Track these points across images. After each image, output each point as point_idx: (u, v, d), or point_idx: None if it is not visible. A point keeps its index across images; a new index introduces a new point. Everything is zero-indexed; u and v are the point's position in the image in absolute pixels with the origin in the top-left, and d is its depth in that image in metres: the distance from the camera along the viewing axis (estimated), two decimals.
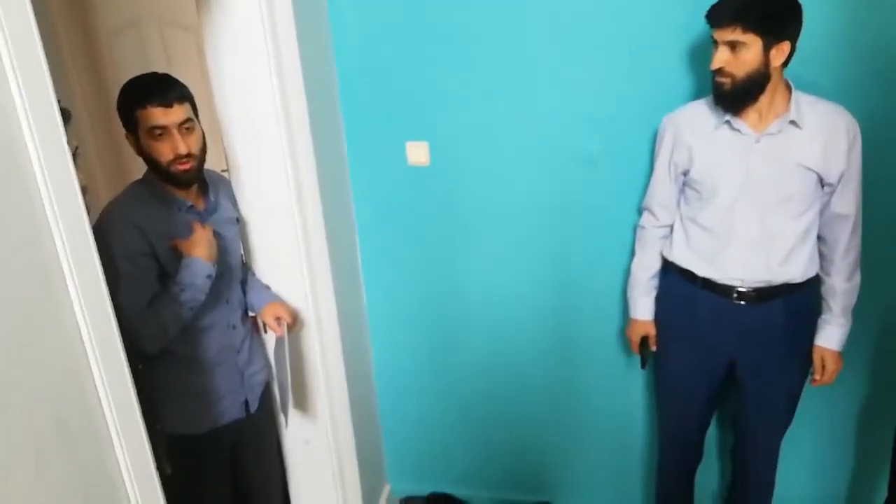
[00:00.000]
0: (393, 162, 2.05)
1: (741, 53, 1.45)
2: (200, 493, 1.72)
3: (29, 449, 0.87)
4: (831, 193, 1.57)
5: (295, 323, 1.84)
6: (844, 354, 1.73)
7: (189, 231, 1.55)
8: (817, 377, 1.71)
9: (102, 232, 1.41)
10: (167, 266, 1.53)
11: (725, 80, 1.49)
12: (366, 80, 1.98)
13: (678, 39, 1.72)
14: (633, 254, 1.87)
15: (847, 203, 1.57)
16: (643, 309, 1.83)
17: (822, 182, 1.54)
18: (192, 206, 1.59)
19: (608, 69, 1.80)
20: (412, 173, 2.04)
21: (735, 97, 1.50)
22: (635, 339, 1.86)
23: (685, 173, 1.65)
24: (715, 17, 1.46)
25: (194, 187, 1.61)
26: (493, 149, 1.96)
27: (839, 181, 1.54)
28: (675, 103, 1.71)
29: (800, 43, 1.48)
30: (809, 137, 1.51)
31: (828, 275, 1.65)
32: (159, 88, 1.48)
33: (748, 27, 1.42)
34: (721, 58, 1.47)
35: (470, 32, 1.86)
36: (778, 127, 1.52)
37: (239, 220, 1.80)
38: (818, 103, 1.53)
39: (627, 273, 1.89)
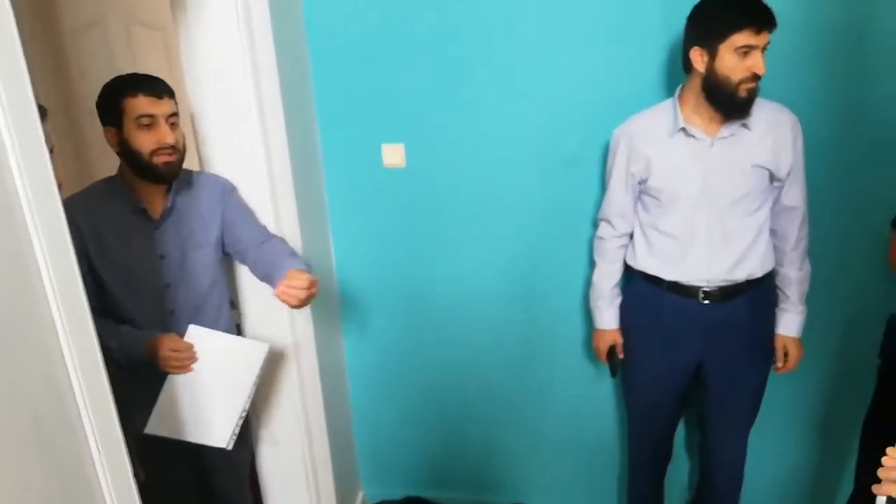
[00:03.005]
0: (368, 164, 2.04)
1: (764, 56, 1.48)
2: (169, 497, 1.68)
3: (10, 456, 0.85)
4: (781, 188, 1.64)
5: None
6: (810, 348, 1.79)
7: (131, 233, 1.56)
8: (780, 364, 1.77)
9: None
10: (99, 271, 1.53)
11: (756, 86, 1.50)
12: (341, 83, 1.98)
13: (654, 42, 1.76)
14: (593, 264, 1.89)
15: (795, 196, 1.65)
16: (609, 318, 1.86)
17: (772, 178, 1.60)
18: (144, 209, 1.58)
19: (585, 70, 1.82)
20: (388, 175, 2.04)
21: (753, 103, 1.53)
22: (603, 348, 1.89)
23: (642, 182, 1.69)
24: (762, 20, 1.45)
25: (159, 192, 1.59)
26: (469, 151, 1.97)
27: (788, 176, 1.61)
28: (650, 104, 1.74)
29: None
30: (759, 137, 1.57)
31: (781, 266, 1.71)
32: (150, 81, 1.51)
33: (774, 29, 1.47)
34: (763, 62, 1.48)
35: (446, 34, 1.87)
36: (730, 130, 1.57)
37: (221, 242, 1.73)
38: (762, 104, 1.58)
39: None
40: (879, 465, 1.61)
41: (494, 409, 2.27)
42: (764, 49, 1.47)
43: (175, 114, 1.54)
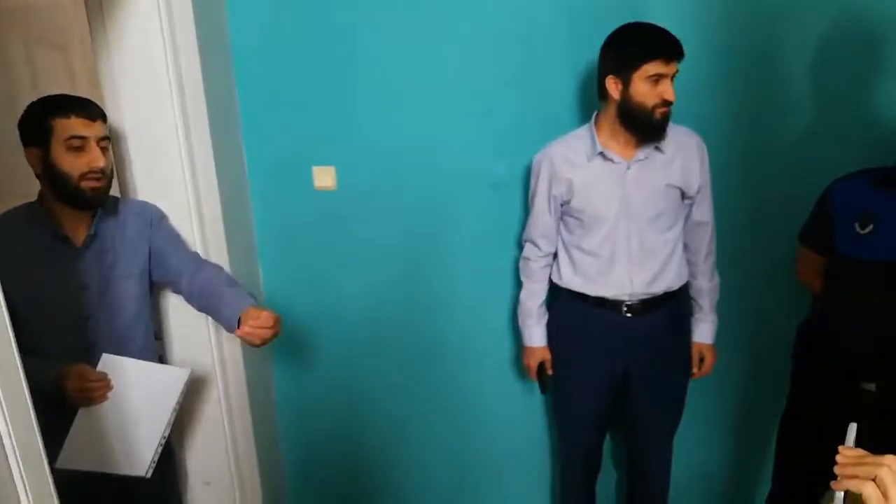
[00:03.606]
0: (298, 187, 2.02)
1: (672, 83, 1.58)
2: None
3: None
4: (691, 205, 1.75)
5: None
6: (728, 354, 1.93)
7: (51, 261, 1.47)
8: (695, 370, 1.87)
9: None
10: (14, 301, 1.41)
11: (668, 111, 1.60)
12: (269, 105, 1.95)
13: (570, 71, 1.84)
14: (520, 284, 1.94)
15: (704, 212, 1.77)
16: (537, 337, 1.91)
17: (684, 196, 1.72)
18: (65, 237, 1.50)
19: (509, 97, 1.88)
20: (319, 198, 2.02)
21: (667, 127, 1.63)
22: (533, 365, 1.93)
23: (564, 204, 1.76)
24: (670, 51, 1.54)
25: (83, 218, 1.52)
26: (401, 173, 1.98)
27: (697, 193, 1.73)
28: (569, 130, 1.80)
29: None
30: (670, 158, 1.68)
31: (694, 277, 1.82)
32: (83, 102, 1.45)
33: (682, 59, 1.57)
34: (672, 89, 1.58)
35: (376, 58, 1.88)
36: (645, 153, 1.67)
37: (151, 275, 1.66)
38: (671, 127, 1.68)
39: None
40: (797, 463, 1.73)
41: (427, 429, 2.27)
42: (673, 77, 1.58)
43: (107, 138, 1.48)
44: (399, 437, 2.29)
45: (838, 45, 1.74)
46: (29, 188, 1.56)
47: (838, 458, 0.77)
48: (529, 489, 2.33)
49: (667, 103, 1.57)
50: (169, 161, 1.68)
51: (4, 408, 0.91)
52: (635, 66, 1.56)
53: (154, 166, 1.70)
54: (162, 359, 1.84)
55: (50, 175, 1.44)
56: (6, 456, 0.92)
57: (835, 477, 1.82)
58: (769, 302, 2.00)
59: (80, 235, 1.52)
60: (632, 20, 1.61)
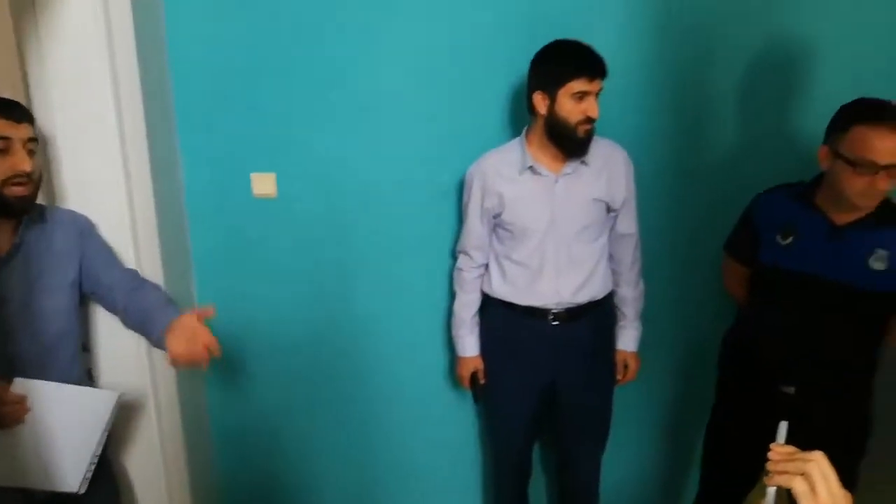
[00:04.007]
0: (236, 194, 1.97)
1: (597, 101, 1.64)
2: None
3: None
4: (616, 217, 1.82)
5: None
6: (656, 362, 2.01)
7: None
8: (620, 377, 1.94)
9: None
10: None
11: (592, 128, 1.65)
12: (206, 110, 1.90)
13: (505, 84, 1.88)
14: (453, 294, 1.97)
15: (629, 224, 1.84)
16: (470, 346, 1.94)
17: (609, 209, 1.78)
18: None
19: (452, 105, 1.90)
20: (258, 206, 1.98)
21: (590, 143, 1.68)
22: (466, 375, 1.96)
23: (496, 216, 1.80)
24: (594, 70, 1.59)
25: (6, 227, 1.42)
26: (342, 181, 1.97)
27: (622, 206, 1.80)
28: (502, 142, 1.84)
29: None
30: (596, 172, 1.74)
31: (619, 287, 1.89)
32: (7, 104, 1.35)
33: (605, 77, 1.62)
34: (597, 106, 1.63)
35: (318, 65, 1.87)
36: (572, 168, 1.73)
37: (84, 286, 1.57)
38: (597, 141, 1.75)
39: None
40: (723, 465, 1.81)
41: (361, 442, 2.26)
42: (597, 94, 1.64)
43: (34, 139, 1.39)
44: (334, 450, 2.26)
45: (763, 65, 1.86)
46: None
47: (770, 454, 0.81)
48: (464, 495, 2.35)
49: (590, 120, 1.63)
50: (103, 167, 1.61)
51: None
52: (561, 83, 1.61)
53: (86, 172, 1.61)
54: (90, 372, 1.76)
55: None
56: None
57: (758, 477, 1.91)
58: (697, 310, 2.10)
59: (2, 245, 1.42)
60: (567, 36, 1.66)
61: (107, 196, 1.64)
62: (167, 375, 1.87)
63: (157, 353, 1.80)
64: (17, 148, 1.35)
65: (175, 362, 1.45)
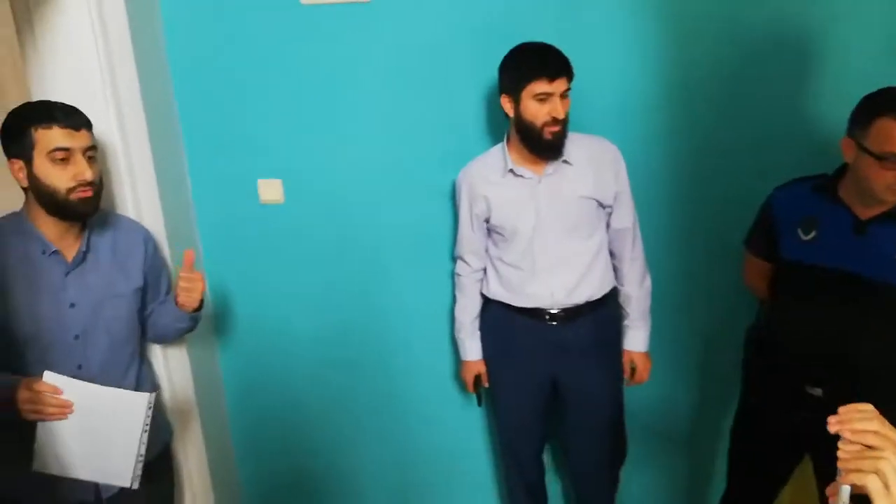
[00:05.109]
0: (244, 200, 1.98)
1: (566, 100, 1.61)
2: None
3: None
4: (610, 213, 1.78)
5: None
6: (673, 361, 1.94)
7: (39, 277, 1.39)
8: (627, 378, 1.89)
9: None
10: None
11: (560, 129, 1.62)
12: (211, 117, 1.92)
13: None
14: (454, 301, 1.95)
15: (624, 218, 1.79)
16: (472, 350, 1.92)
17: (601, 205, 1.75)
18: (56, 252, 1.42)
19: (447, 108, 1.89)
20: (265, 212, 1.99)
21: (563, 143, 1.65)
22: (469, 379, 1.95)
23: (486, 220, 1.79)
24: (553, 70, 1.57)
25: (71, 231, 1.44)
26: (348, 186, 1.97)
27: (615, 201, 1.76)
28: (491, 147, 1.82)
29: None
30: (581, 171, 1.71)
31: (622, 284, 1.84)
32: (65, 111, 1.36)
33: (570, 76, 1.60)
34: (565, 106, 1.60)
35: (317, 69, 1.87)
36: (553, 168, 1.70)
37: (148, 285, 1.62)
38: (580, 138, 1.72)
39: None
40: (750, 466, 1.74)
41: (368, 450, 2.25)
42: (564, 94, 1.60)
43: (93, 146, 1.41)
44: (342, 462, 2.26)
45: (779, 51, 1.78)
46: None
47: (839, 453, 0.79)
48: (478, 491, 2.31)
49: (556, 121, 1.60)
50: (107, 177, 1.63)
51: None
52: (521, 86, 1.60)
53: None
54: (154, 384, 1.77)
55: (35, 188, 1.37)
56: None
57: (789, 478, 1.84)
58: (712, 307, 2.03)
59: (70, 250, 1.45)
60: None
61: (115, 206, 1.65)
62: (184, 376, 1.88)
63: (174, 360, 1.82)
64: (78, 158, 1.37)
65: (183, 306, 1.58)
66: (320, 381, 2.17)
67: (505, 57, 1.64)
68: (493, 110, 1.88)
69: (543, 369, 1.82)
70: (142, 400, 1.45)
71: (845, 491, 0.77)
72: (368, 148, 1.93)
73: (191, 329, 1.68)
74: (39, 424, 1.37)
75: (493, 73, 1.73)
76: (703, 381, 2.11)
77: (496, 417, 2.00)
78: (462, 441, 2.23)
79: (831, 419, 0.81)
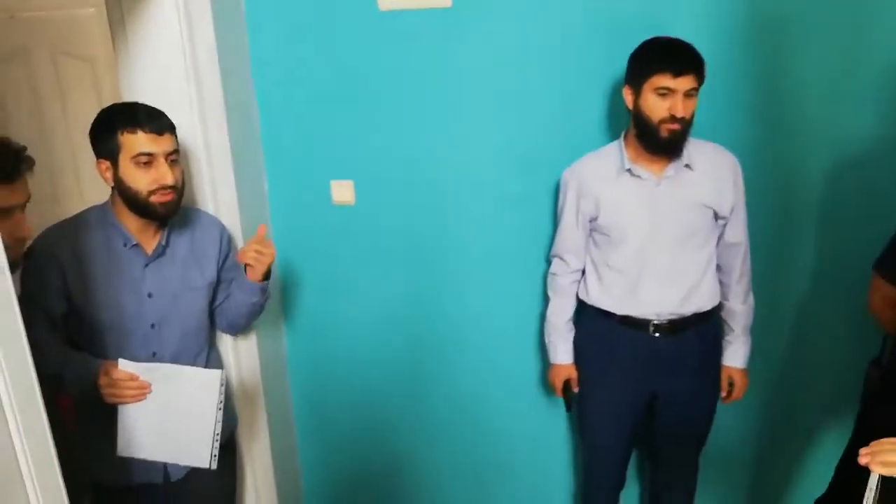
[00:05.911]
0: (316, 201, 2.02)
1: (692, 100, 1.55)
2: None
3: None
4: (724, 225, 1.71)
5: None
6: (783, 384, 1.86)
7: (120, 268, 1.47)
8: (724, 395, 1.82)
9: (29, 260, 1.39)
10: (79, 305, 1.45)
11: (679, 128, 1.56)
12: (288, 118, 1.96)
13: (598, 86, 1.81)
14: (547, 300, 1.91)
15: (737, 232, 1.72)
16: (563, 353, 1.87)
17: (716, 216, 1.68)
18: (136, 245, 1.49)
19: (532, 112, 1.86)
20: (337, 212, 2.02)
21: (681, 143, 1.60)
22: (558, 383, 1.90)
23: (592, 220, 1.74)
24: (679, 66, 1.50)
25: (151, 226, 1.51)
26: (420, 187, 1.97)
27: (730, 213, 1.69)
28: (596, 146, 1.77)
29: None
30: (701, 177, 1.64)
31: (727, 299, 1.77)
32: (150, 115, 1.42)
33: (700, 75, 1.54)
34: (688, 106, 1.54)
35: (393, 74, 1.88)
36: (674, 170, 1.64)
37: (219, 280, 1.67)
38: (703, 145, 1.66)
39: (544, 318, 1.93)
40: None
41: (449, 448, 2.24)
42: (689, 93, 1.53)
43: (176, 151, 1.46)
44: (420, 457, 2.26)
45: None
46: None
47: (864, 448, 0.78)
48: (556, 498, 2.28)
49: (675, 119, 1.54)
50: (188, 176, 1.69)
51: (16, 412, 0.90)
52: (644, 76, 1.55)
53: None
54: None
55: (120, 188, 1.44)
56: (17, 460, 0.91)
57: None
58: (834, 335, 1.90)
59: (150, 243, 1.52)
60: (663, 34, 1.58)
61: (196, 203, 1.72)
62: (253, 369, 1.92)
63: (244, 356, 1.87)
64: (161, 162, 1.42)
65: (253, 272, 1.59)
66: (388, 382, 2.18)
67: (636, 48, 1.59)
68: (573, 119, 1.85)
69: (643, 383, 1.76)
70: (215, 376, 1.50)
71: (873, 479, 0.76)
72: (442, 148, 1.92)
73: (261, 307, 1.69)
74: (120, 409, 1.43)
75: (575, 80, 1.71)
76: (813, 411, 1.99)
77: (582, 426, 1.95)
78: (542, 447, 2.20)
79: (862, 451, 0.79)
